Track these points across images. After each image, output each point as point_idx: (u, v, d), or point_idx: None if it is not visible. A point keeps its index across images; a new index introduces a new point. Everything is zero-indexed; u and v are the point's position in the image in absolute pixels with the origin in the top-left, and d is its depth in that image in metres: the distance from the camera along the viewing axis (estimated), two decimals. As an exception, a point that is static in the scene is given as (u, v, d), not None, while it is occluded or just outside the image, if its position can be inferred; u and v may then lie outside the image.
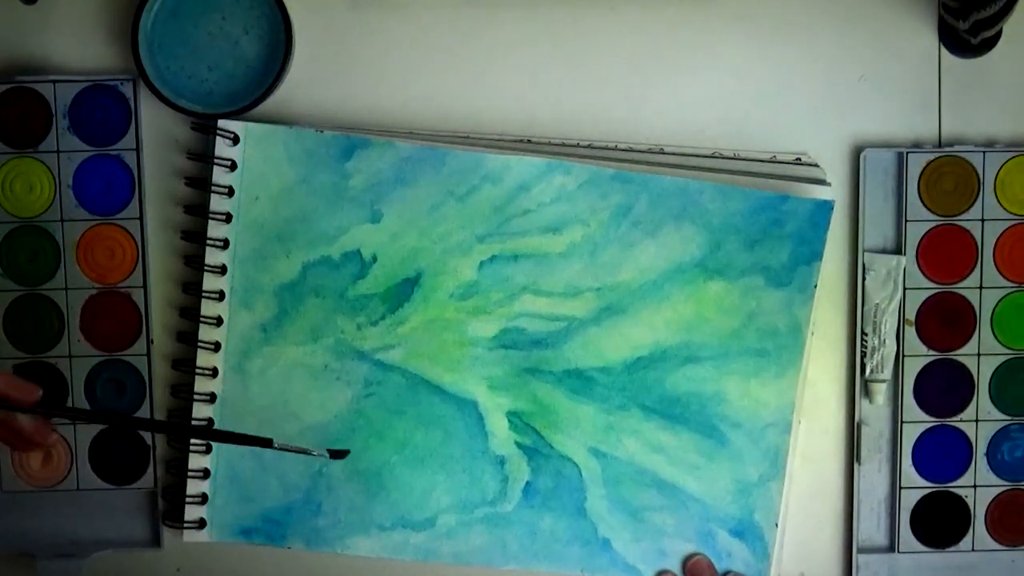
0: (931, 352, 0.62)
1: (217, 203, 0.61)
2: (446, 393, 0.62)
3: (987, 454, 0.63)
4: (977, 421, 0.62)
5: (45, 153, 0.62)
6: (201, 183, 0.62)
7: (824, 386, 0.63)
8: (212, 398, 0.62)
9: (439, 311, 0.61)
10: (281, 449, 0.53)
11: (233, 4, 0.61)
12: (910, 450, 0.63)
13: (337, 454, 0.56)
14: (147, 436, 0.63)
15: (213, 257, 0.61)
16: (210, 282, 0.61)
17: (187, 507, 0.62)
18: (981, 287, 0.62)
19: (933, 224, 0.62)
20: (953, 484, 0.63)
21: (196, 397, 0.62)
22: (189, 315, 0.62)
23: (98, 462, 0.63)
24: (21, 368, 0.62)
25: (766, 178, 0.61)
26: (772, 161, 0.62)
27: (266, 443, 0.52)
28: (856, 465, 0.63)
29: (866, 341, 0.62)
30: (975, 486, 0.63)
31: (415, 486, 0.62)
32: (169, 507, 0.63)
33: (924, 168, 0.62)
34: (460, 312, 0.61)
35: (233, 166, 0.61)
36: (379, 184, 0.61)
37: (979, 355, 0.62)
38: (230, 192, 0.61)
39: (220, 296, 0.61)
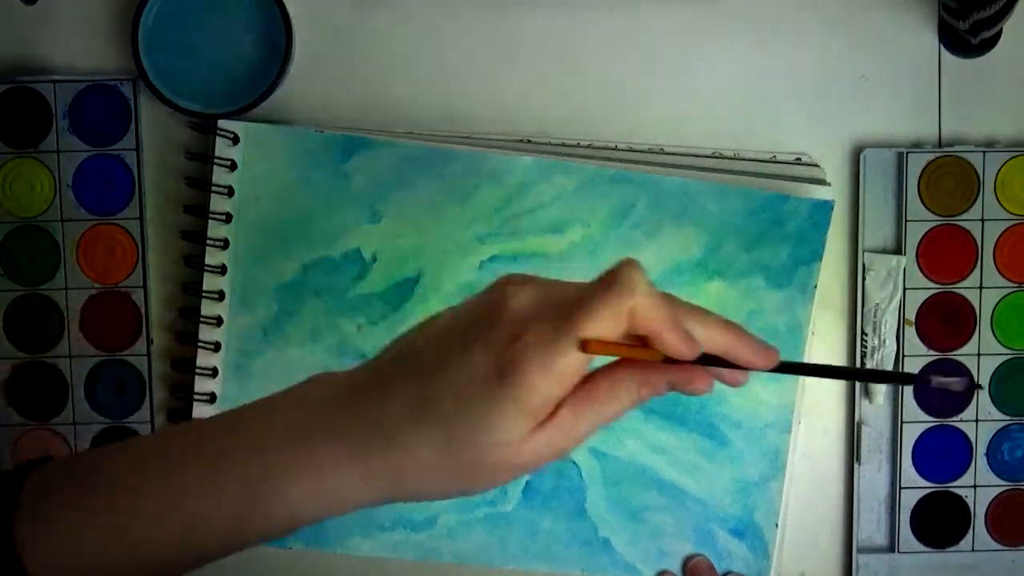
0: (931, 352, 0.62)
1: (217, 203, 0.61)
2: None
3: (987, 454, 0.63)
4: (977, 421, 0.62)
5: (45, 153, 0.62)
6: (201, 183, 0.62)
7: (824, 386, 0.63)
8: (212, 398, 0.62)
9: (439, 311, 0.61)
10: (940, 388, 0.44)
11: (233, 4, 0.61)
12: (910, 450, 0.63)
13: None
14: (147, 436, 0.63)
15: (213, 257, 0.61)
16: (210, 282, 0.61)
17: (187, 507, 0.62)
18: (981, 287, 0.62)
19: (933, 224, 0.62)
20: (953, 484, 0.63)
21: (196, 397, 0.62)
22: (189, 315, 0.62)
23: (98, 462, 0.63)
24: (21, 368, 0.62)
25: (766, 178, 0.61)
26: (772, 161, 0.62)
27: (909, 379, 0.47)
28: (856, 465, 0.63)
29: (866, 341, 0.62)
30: (975, 486, 0.63)
31: (415, 486, 0.62)
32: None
33: (924, 168, 0.62)
34: (460, 312, 0.61)
35: (233, 166, 0.61)
36: (379, 184, 0.61)
37: (979, 355, 0.62)
38: (230, 192, 0.61)
39: (220, 296, 0.61)
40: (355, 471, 0.39)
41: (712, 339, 0.39)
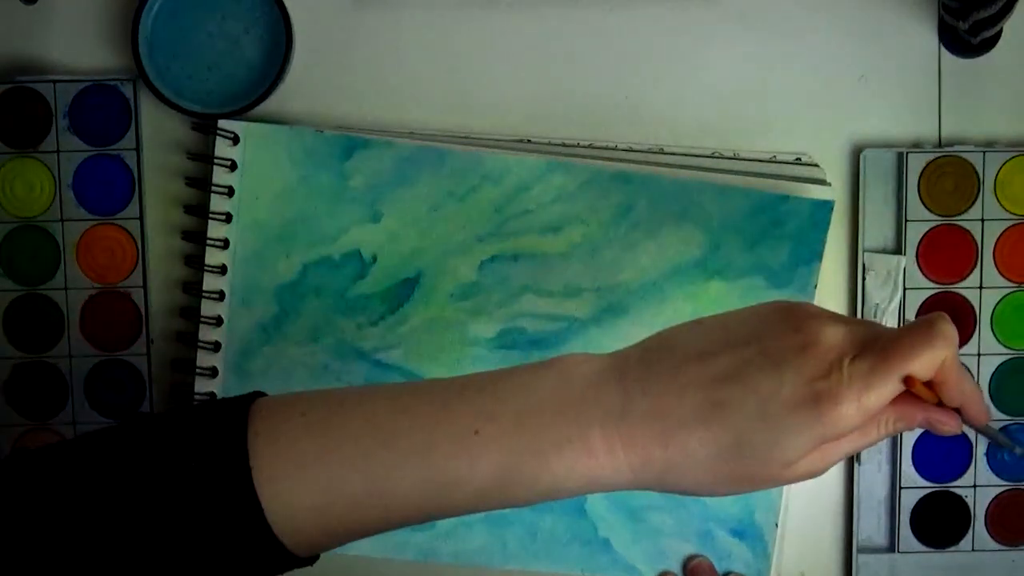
0: (931, 352, 0.62)
1: (217, 203, 0.61)
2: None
3: (987, 454, 0.63)
4: (977, 421, 0.62)
5: (45, 153, 0.62)
6: (201, 183, 0.62)
7: (824, 386, 0.63)
8: (212, 398, 0.62)
9: (439, 311, 0.61)
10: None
11: (233, 4, 0.61)
12: (910, 450, 0.63)
13: None
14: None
15: (213, 257, 0.61)
16: (210, 282, 0.61)
17: (187, 507, 0.62)
18: (981, 287, 0.62)
19: (933, 224, 0.62)
20: (953, 484, 0.63)
21: (196, 397, 0.62)
22: (189, 315, 0.62)
23: (98, 462, 0.63)
24: (21, 368, 0.62)
25: (766, 178, 0.61)
26: (772, 161, 0.62)
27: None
28: (856, 465, 0.63)
29: (866, 341, 0.62)
30: (975, 486, 0.63)
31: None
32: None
33: (924, 168, 0.62)
34: (460, 312, 0.61)
35: (233, 166, 0.61)
36: (379, 184, 0.61)
37: (979, 355, 0.62)
38: (230, 192, 0.61)
39: (220, 296, 0.61)
40: (628, 460, 0.41)
41: (971, 395, 0.43)
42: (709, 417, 0.41)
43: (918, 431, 0.62)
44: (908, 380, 0.41)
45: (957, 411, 0.44)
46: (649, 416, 0.41)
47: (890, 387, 0.41)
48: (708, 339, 0.43)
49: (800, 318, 0.42)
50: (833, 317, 0.43)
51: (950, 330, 0.41)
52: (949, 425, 0.43)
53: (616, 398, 0.41)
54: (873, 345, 0.41)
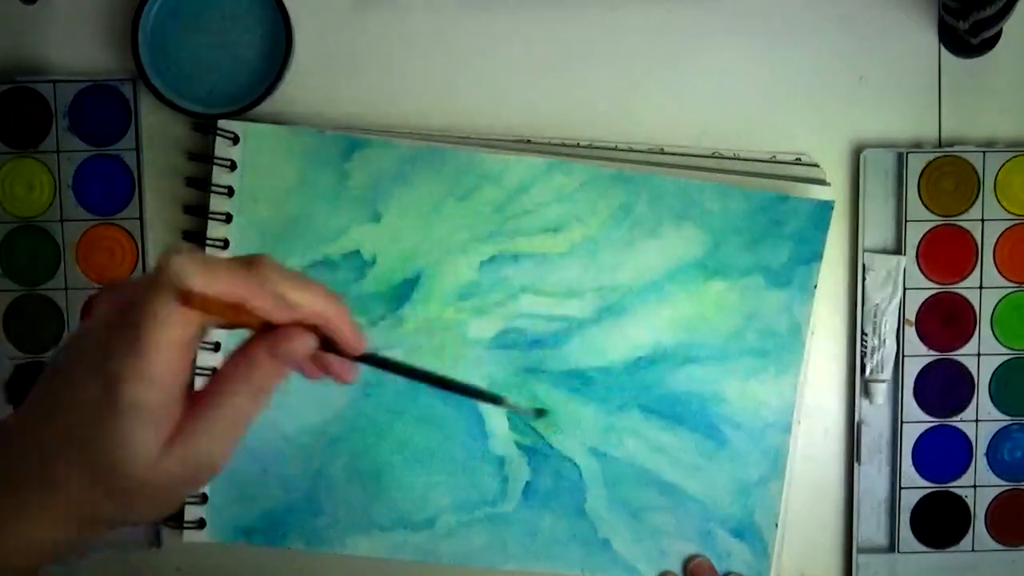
0: (931, 352, 0.62)
1: (217, 203, 0.61)
2: (446, 393, 0.62)
3: (987, 454, 0.63)
4: (977, 421, 0.62)
5: (45, 153, 0.62)
6: (201, 183, 0.62)
7: (824, 386, 0.63)
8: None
9: (439, 311, 0.61)
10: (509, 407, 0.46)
11: (233, 4, 0.61)
12: (910, 450, 0.63)
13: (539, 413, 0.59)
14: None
15: (213, 257, 0.61)
16: (210, 282, 0.61)
17: (187, 507, 0.62)
18: (981, 287, 0.62)
19: (933, 224, 0.62)
20: (953, 484, 0.63)
21: (196, 397, 0.62)
22: (189, 315, 0.62)
23: (98, 462, 0.63)
24: (21, 368, 0.62)
25: (766, 178, 0.61)
26: (772, 161, 0.62)
27: (497, 400, 0.47)
28: (856, 465, 0.63)
29: (866, 341, 0.62)
30: (975, 486, 0.63)
31: (415, 486, 0.62)
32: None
33: (924, 168, 0.62)
34: (460, 312, 0.61)
35: (233, 166, 0.61)
36: (379, 184, 0.61)
37: (979, 355, 0.62)
38: (230, 192, 0.61)
39: (220, 296, 0.61)
40: (42, 515, 0.38)
41: (311, 303, 0.40)
42: (65, 444, 0.37)
43: (919, 430, 0.62)
44: (186, 299, 0.35)
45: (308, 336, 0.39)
46: (34, 467, 0.38)
47: (145, 338, 0.35)
48: (56, 360, 0.40)
49: (89, 302, 0.39)
50: (118, 286, 0.39)
51: (168, 269, 0.35)
52: (294, 342, 0.39)
53: (5, 455, 0.39)
54: (132, 308, 0.36)
